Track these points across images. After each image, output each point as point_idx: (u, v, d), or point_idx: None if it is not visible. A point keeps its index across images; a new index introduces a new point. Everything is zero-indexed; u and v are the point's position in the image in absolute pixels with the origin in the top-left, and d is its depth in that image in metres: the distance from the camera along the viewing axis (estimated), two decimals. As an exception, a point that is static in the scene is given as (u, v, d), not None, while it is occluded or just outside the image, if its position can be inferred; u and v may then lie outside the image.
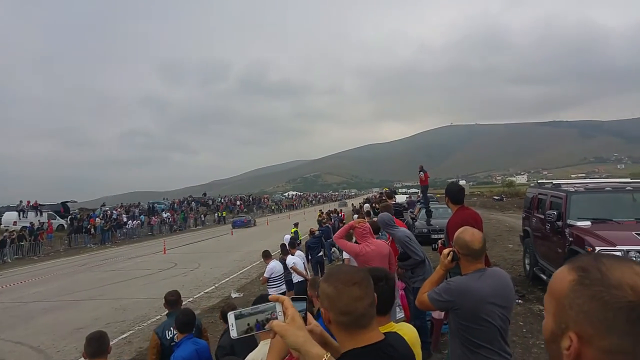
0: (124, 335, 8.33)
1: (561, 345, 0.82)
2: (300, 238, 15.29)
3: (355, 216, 11.53)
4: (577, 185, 7.64)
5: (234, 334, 1.27)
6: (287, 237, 11.22)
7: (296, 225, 16.49)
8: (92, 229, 29.71)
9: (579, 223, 6.27)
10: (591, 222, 6.24)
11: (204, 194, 58.06)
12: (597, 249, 5.42)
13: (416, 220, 16.47)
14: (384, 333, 1.53)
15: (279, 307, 1.26)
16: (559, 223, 6.73)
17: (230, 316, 1.28)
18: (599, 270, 0.80)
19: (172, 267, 16.48)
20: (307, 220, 27.80)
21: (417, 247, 5.19)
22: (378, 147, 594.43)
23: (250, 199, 62.17)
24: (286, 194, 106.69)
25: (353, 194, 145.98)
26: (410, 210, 22.88)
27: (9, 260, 22.89)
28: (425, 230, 14.51)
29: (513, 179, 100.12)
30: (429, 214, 15.64)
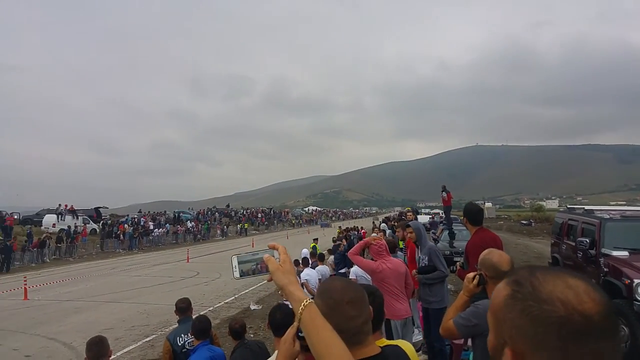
0: (147, 339, 8.57)
1: None
2: (319, 252, 15.25)
3: (374, 234, 11.40)
4: (612, 212, 7.33)
5: (236, 274, 1.41)
6: (305, 251, 11.14)
7: (315, 240, 16.42)
8: (122, 235, 30.55)
9: (615, 253, 5.95)
10: (629, 252, 5.90)
11: (227, 205, 58.93)
12: (636, 281, 5.14)
13: (438, 242, 16.16)
14: (383, 346, 1.50)
15: (276, 254, 1.34)
16: (592, 252, 6.43)
17: (234, 259, 1.42)
18: (531, 284, 0.78)
19: (194, 276, 16.70)
20: (326, 235, 27.71)
21: (444, 262, 5.21)
22: (400, 165, 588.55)
23: (272, 212, 62.55)
24: (306, 208, 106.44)
25: (374, 211, 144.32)
26: (433, 231, 22.52)
27: (48, 260, 23.81)
28: (448, 252, 14.13)
29: (542, 203, 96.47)
30: (451, 235, 15.25)
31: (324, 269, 8.96)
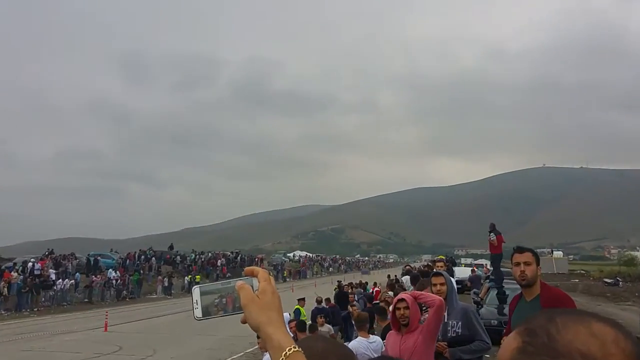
0: None
1: None
2: (303, 317, 15.30)
3: (390, 293, 11.50)
4: None
5: (197, 313, 1.37)
6: (286, 315, 11.23)
7: (301, 301, 16.45)
8: (6, 289, 30.04)
9: None
10: None
11: (171, 247, 58.66)
12: None
13: (482, 307, 16.18)
14: None
15: (255, 283, 1.34)
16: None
17: (195, 290, 1.38)
18: (547, 333, 0.87)
19: (114, 352, 16.53)
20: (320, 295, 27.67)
21: (485, 329, 5.28)
22: (431, 193, 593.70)
23: (239, 258, 62.35)
24: (291, 254, 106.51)
25: (392, 260, 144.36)
26: (475, 290, 22.56)
27: None
28: (496, 322, 14.15)
29: (635, 253, 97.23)
30: (502, 298, 15.30)
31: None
